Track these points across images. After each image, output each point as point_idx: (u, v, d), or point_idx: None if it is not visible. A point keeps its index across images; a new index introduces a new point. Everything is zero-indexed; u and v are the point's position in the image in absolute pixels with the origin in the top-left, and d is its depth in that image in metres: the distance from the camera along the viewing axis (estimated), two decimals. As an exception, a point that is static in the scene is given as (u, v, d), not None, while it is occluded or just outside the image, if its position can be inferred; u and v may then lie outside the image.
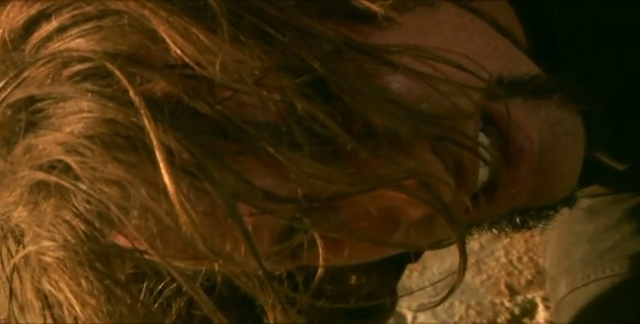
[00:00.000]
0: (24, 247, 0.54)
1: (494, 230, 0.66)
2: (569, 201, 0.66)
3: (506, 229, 0.66)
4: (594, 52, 0.72)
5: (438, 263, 1.37)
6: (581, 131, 0.63)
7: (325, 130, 0.51)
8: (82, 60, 0.50)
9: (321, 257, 0.54)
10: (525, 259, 1.39)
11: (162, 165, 0.48)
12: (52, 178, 0.50)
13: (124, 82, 0.49)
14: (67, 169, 0.49)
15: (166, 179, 0.48)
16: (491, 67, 0.58)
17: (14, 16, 0.53)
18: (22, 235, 0.54)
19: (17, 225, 0.54)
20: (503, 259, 1.39)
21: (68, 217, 0.50)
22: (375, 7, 0.55)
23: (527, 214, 0.65)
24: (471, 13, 0.61)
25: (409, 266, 1.34)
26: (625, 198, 1.05)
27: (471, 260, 1.36)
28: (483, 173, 0.59)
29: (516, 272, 1.39)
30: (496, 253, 1.39)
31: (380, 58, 0.54)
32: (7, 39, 0.53)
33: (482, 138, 0.59)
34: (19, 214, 0.53)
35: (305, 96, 0.51)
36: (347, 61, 0.53)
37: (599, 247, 1.05)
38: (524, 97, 0.60)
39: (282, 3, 0.53)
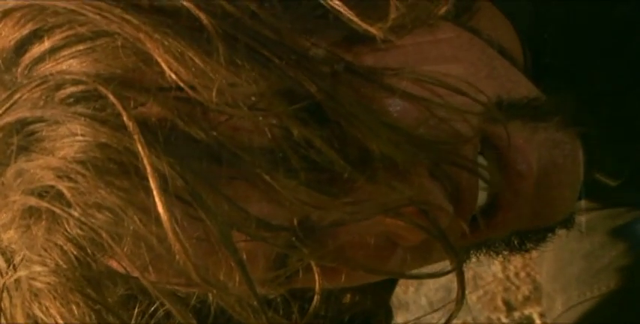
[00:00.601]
0: (14, 268, 0.53)
1: (491, 253, 0.65)
2: (568, 223, 0.66)
3: (504, 251, 0.65)
4: (586, 71, 0.71)
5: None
6: (580, 154, 0.62)
7: (322, 157, 0.51)
8: (75, 83, 0.49)
9: (317, 284, 0.53)
10: (522, 274, 1.38)
11: (155, 192, 0.47)
12: (44, 204, 0.49)
13: (118, 106, 0.48)
14: (58, 195, 0.49)
15: (159, 207, 0.47)
16: (489, 88, 0.57)
17: (6, 36, 0.52)
18: (13, 255, 0.53)
19: (8, 245, 0.53)
20: (500, 275, 1.38)
21: (60, 242, 0.50)
22: (373, 30, 0.54)
23: (525, 237, 0.65)
24: (469, 32, 0.61)
25: (405, 281, 1.33)
26: (620, 213, 1.05)
27: (468, 275, 1.35)
28: (482, 197, 0.59)
29: (513, 288, 1.38)
30: (493, 268, 1.38)
31: (377, 82, 0.53)
32: (0, 58, 0.52)
33: (481, 161, 0.58)
34: (10, 236, 0.52)
35: (301, 121, 0.50)
36: (344, 85, 0.52)
37: (595, 264, 1.04)
38: (523, 120, 0.59)
39: (279, 25, 0.52)
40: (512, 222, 0.61)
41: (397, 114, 0.54)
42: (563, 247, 1.08)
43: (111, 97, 0.48)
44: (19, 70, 0.51)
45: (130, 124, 0.48)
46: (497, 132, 0.58)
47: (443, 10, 0.57)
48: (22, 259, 0.52)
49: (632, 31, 0.71)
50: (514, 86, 0.60)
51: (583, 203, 0.87)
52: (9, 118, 0.50)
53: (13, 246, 0.53)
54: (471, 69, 0.58)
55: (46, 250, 0.50)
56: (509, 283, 1.38)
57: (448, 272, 0.55)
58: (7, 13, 0.52)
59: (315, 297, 0.54)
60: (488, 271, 1.38)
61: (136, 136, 0.47)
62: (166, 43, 0.49)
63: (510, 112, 0.59)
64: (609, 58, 0.72)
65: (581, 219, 1.00)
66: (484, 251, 0.65)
